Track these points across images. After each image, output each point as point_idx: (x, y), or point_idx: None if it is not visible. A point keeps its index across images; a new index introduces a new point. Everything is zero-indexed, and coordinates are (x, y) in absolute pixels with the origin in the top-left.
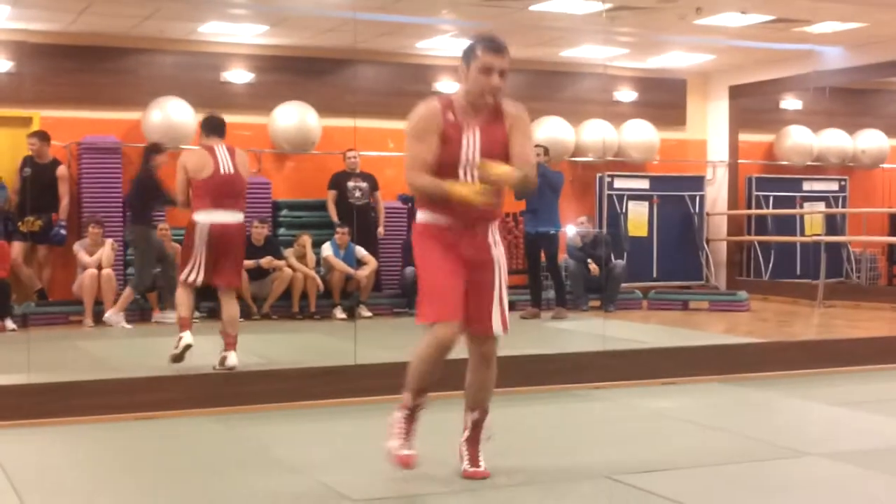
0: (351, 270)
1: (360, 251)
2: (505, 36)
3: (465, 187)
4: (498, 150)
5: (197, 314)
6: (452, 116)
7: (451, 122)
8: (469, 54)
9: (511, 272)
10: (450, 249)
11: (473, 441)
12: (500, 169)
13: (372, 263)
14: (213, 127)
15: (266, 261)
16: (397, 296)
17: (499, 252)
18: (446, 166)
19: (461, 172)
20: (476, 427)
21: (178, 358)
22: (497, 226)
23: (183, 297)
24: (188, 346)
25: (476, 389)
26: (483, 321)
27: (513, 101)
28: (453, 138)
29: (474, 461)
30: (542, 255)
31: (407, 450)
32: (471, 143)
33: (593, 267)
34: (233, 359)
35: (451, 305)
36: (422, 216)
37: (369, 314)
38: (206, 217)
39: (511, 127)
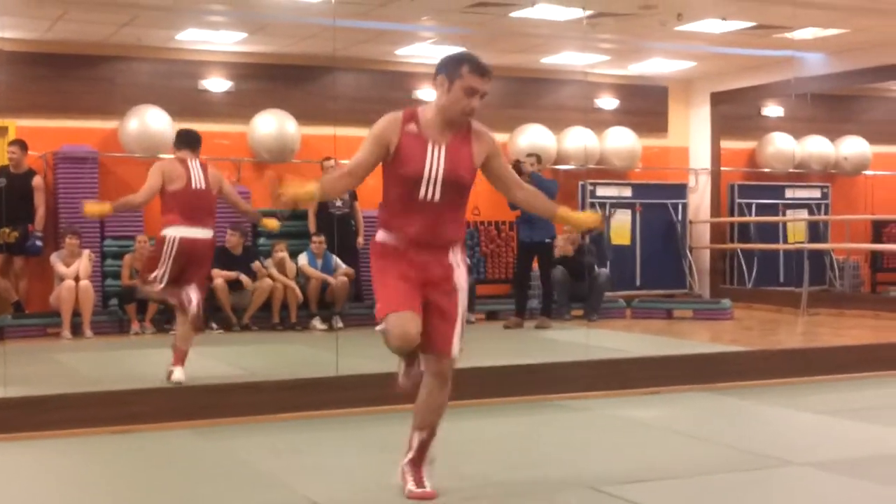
0: (325, 276)
1: (338, 262)
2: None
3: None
4: (463, 167)
5: (214, 325)
6: (415, 128)
7: (412, 134)
8: (453, 71)
9: (494, 281)
10: (407, 267)
11: (417, 462)
12: (582, 216)
13: (345, 271)
14: (186, 140)
15: (246, 282)
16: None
17: (461, 275)
18: (408, 179)
19: (423, 187)
20: (422, 448)
21: None
22: (460, 247)
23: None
24: None
25: (427, 409)
26: (441, 343)
27: (477, 122)
28: (414, 151)
29: (420, 482)
30: (535, 263)
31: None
32: (436, 157)
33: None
34: (179, 374)
35: (403, 298)
36: (381, 236)
37: (341, 325)
38: (175, 231)
39: (488, 155)
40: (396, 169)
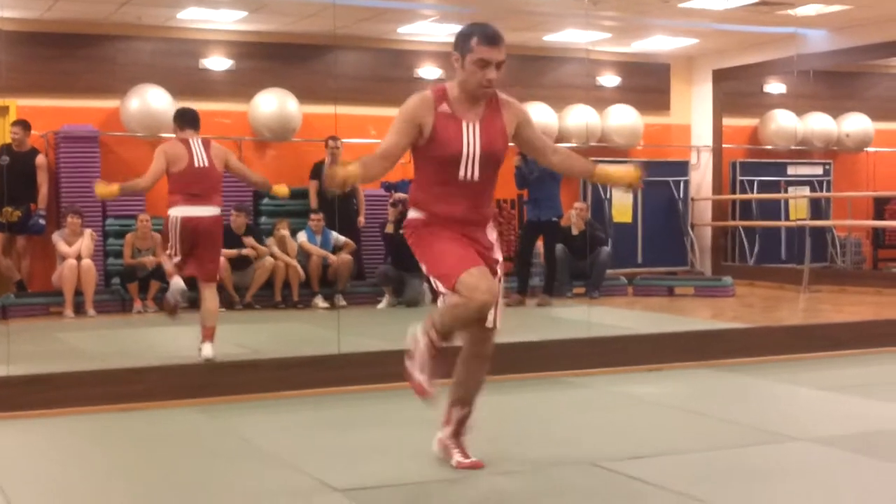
0: (325, 253)
1: (338, 237)
2: (487, 20)
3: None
4: (499, 141)
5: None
6: (448, 108)
7: (446, 115)
8: (464, 44)
9: None
10: (456, 232)
11: (457, 435)
12: (621, 172)
13: (349, 246)
14: (187, 119)
15: (249, 244)
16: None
17: (498, 250)
18: (447, 160)
19: (463, 167)
20: (462, 422)
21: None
22: (492, 226)
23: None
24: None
25: (468, 385)
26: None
27: (505, 94)
28: (450, 131)
29: (465, 453)
30: (540, 242)
31: (428, 384)
32: (471, 135)
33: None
34: (208, 350)
35: (468, 257)
36: (417, 214)
37: (344, 303)
38: (178, 211)
39: (518, 124)
40: (433, 151)
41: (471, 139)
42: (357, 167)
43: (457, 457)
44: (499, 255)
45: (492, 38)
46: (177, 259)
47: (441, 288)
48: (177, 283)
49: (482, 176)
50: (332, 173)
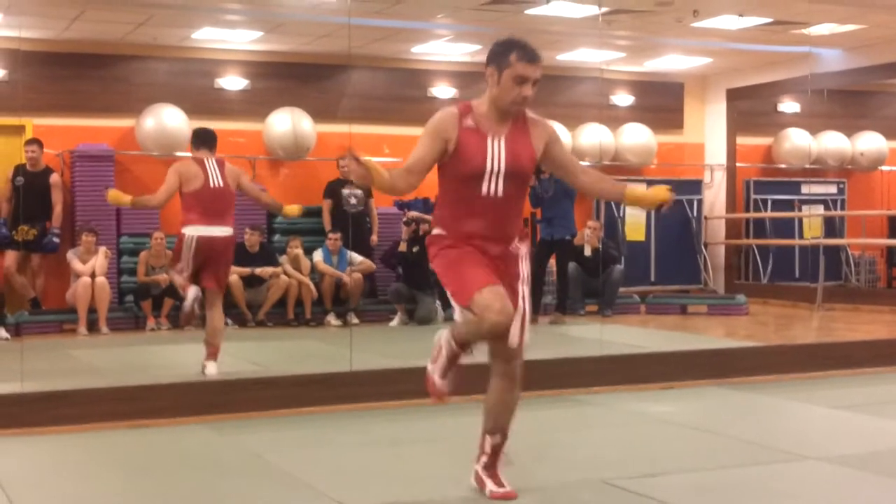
0: (339, 273)
1: (355, 256)
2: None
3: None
4: (524, 157)
5: (229, 321)
6: (472, 123)
7: (470, 129)
8: (501, 59)
9: None
10: (481, 254)
11: (492, 465)
12: (651, 193)
13: (366, 265)
14: (203, 139)
15: (261, 271)
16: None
17: (525, 267)
18: (470, 176)
19: (486, 183)
20: (496, 451)
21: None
22: (523, 239)
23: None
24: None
25: (498, 412)
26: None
27: (532, 112)
28: (474, 147)
29: (500, 482)
30: (553, 261)
31: (443, 385)
32: (496, 151)
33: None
34: (212, 368)
35: (487, 275)
36: (439, 230)
37: (356, 321)
38: (193, 230)
39: (547, 143)
40: (456, 167)
41: (495, 154)
42: (385, 173)
43: (490, 486)
44: (524, 271)
45: (532, 54)
46: (186, 273)
47: (455, 304)
48: (193, 291)
49: (506, 192)
50: (365, 159)
